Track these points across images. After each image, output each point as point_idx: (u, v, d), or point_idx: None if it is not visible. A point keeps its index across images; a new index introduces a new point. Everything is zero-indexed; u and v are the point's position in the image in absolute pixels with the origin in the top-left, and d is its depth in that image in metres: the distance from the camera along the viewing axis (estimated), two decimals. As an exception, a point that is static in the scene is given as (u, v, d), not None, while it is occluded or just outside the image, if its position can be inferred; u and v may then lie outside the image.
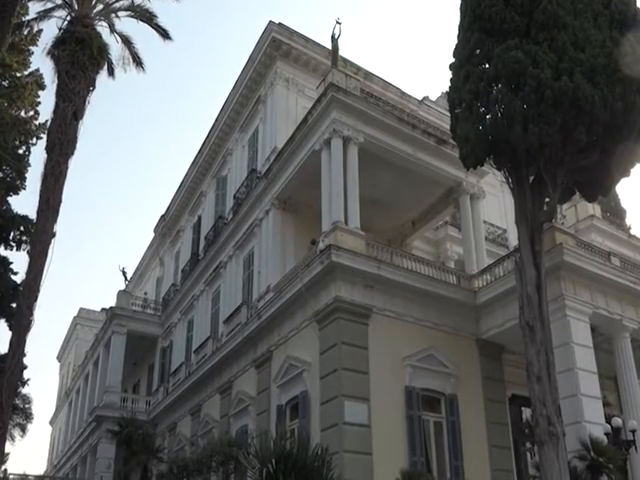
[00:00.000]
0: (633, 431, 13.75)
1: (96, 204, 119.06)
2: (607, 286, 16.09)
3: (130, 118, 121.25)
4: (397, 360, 15.09)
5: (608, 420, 13.89)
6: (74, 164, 15.43)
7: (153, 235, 36.07)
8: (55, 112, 15.28)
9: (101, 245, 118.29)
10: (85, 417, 33.37)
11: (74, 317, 52.06)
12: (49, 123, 15.56)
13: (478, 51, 13.07)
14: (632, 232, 28.84)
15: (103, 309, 33.36)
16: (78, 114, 15.36)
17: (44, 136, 17.30)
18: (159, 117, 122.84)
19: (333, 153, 16.65)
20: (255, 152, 23.34)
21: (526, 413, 16.44)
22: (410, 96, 25.10)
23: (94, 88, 16.24)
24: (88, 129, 43.98)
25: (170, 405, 26.76)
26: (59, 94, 15.38)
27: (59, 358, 58.22)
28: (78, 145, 15.31)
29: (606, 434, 13.38)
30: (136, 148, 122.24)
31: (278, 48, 22.27)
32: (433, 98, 27.51)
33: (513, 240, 21.24)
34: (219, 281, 24.65)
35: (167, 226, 34.16)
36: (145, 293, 37.38)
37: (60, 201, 14.79)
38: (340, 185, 16.25)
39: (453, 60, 13.88)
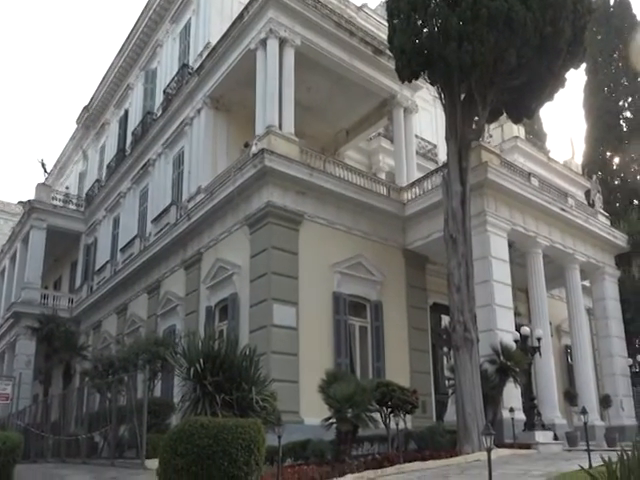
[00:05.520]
0: (539, 339, 14.98)
1: (11, 89, 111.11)
2: (525, 205, 16.92)
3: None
4: (326, 266, 15.49)
5: (518, 328, 15.02)
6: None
7: (75, 127, 34.17)
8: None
9: (17, 135, 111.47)
10: (2, 313, 32.38)
11: (-12, 209, 49.60)
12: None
13: (418, -39, 12.77)
14: (551, 155, 29.95)
15: (20, 202, 31.67)
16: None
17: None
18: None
19: (269, 54, 16.15)
20: (187, 46, 22.17)
21: (445, 320, 17.50)
22: (348, 1, 24.24)
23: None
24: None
25: (94, 303, 26.49)
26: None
27: (-28, 251, 55.86)
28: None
29: (515, 341, 14.55)
30: (55, 31, 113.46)
31: None
32: (372, 6, 26.77)
33: (442, 156, 21.65)
34: (147, 179, 23.96)
35: (91, 118, 32.38)
36: (67, 187, 35.81)
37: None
38: (275, 87, 15.89)
39: (394, -32, 13.51)
